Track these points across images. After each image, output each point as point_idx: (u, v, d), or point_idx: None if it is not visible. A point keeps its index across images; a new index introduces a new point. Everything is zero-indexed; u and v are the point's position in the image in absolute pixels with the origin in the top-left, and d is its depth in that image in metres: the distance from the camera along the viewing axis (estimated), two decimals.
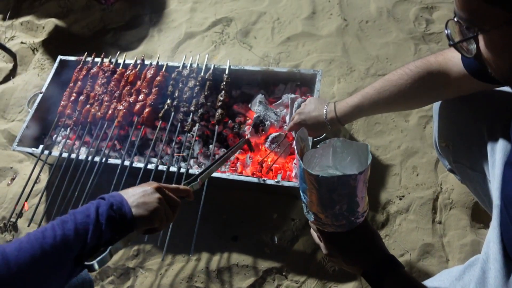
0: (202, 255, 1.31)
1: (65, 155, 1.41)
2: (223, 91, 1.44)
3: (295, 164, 1.32)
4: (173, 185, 0.85)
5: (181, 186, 0.87)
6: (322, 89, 1.46)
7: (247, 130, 1.41)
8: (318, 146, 0.71)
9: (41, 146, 1.46)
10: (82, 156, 1.40)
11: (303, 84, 1.48)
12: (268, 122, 1.39)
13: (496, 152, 0.80)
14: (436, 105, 1.00)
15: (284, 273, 1.25)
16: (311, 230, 0.80)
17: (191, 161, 1.40)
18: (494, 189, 0.79)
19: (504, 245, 0.72)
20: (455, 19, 0.57)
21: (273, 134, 1.37)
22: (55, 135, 1.53)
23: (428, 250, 1.22)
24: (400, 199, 1.32)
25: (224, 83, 1.45)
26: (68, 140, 1.52)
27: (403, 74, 0.89)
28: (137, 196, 0.73)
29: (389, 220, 1.29)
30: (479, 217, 1.25)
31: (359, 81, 1.61)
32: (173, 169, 1.31)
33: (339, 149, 0.70)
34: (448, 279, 0.79)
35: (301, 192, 0.68)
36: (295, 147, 0.66)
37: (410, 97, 0.91)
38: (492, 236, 0.75)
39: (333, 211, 0.65)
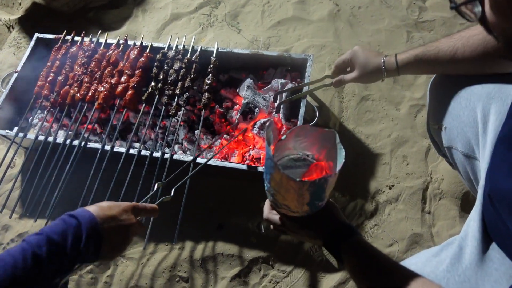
0: (186, 244, 1.26)
1: (41, 138, 1.33)
2: (210, 75, 1.38)
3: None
4: (147, 206, 0.87)
5: (151, 206, 0.88)
6: (312, 74, 1.41)
7: (235, 115, 1.36)
8: (284, 136, 0.71)
9: (15, 129, 1.38)
10: (60, 139, 1.32)
11: (293, 69, 1.43)
12: (256, 109, 1.34)
13: (488, 132, 0.79)
14: (429, 86, 0.98)
15: (270, 263, 1.21)
16: (266, 211, 0.81)
17: (176, 147, 1.35)
18: (482, 169, 0.78)
19: (485, 224, 0.72)
20: None
21: (262, 120, 1.32)
22: (31, 117, 1.45)
23: (417, 240, 1.20)
24: (390, 188, 1.30)
25: (212, 66, 1.39)
26: (45, 123, 1.43)
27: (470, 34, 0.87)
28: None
29: (378, 209, 1.27)
30: (469, 208, 1.24)
31: None
32: (157, 154, 1.25)
33: (301, 132, 0.72)
34: (425, 256, 0.79)
35: (268, 184, 0.69)
36: (266, 143, 0.66)
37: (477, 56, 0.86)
38: (473, 215, 0.75)
39: (303, 202, 0.67)
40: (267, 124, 0.69)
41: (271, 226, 0.83)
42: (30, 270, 0.61)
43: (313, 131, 0.71)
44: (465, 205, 1.24)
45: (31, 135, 1.35)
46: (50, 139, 1.32)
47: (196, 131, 1.34)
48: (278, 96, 1.34)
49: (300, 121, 1.24)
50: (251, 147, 1.34)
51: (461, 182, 1.25)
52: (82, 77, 1.42)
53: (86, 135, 1.33)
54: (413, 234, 1.21)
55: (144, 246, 1.16)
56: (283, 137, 0.72)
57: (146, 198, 0.99)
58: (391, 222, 1.24)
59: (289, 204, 0.69)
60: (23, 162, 1.33)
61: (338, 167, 0.65)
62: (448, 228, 1.21)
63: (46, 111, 1.42)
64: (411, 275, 0.62)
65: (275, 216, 0.79)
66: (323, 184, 0.63)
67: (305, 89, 1.28)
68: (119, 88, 1.37)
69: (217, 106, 1.41)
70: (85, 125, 1.36)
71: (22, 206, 1.36)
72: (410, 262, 0.82)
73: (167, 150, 1.31)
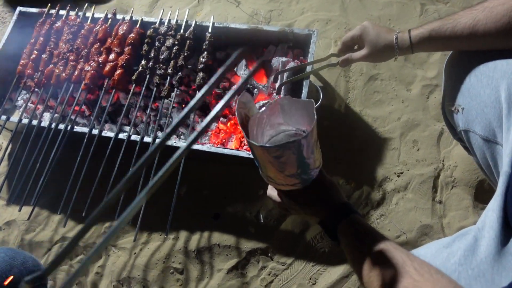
0: (180, 234, 1.20)
1: (25, 121, 1.25)
2: (206, 52, 1.27)
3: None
4: None
5: None
6: (316, 52, 1.30)
7: None
8: (263, 108, 0.67)
9: None
10: (45, 122, 1.24)
11: (296, 45, 1.32)
12: (255, 90, 1.23)
13: None
14: (445, 63, 0.89)
15: (269, 254, 1.15)
16: (269, 189, 0.80)
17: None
18: (505, 155, 0.70)
19: (505, 214, 0.65)
20: None
21: (261, 102, 1.22)
22: (15, 98, 1.36)
23: (426, 232, 1.13)
24: (398, 176, 1.21)
25: (207, 43, 1.28)
26: (30, 104, 1.35)
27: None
28: None
29: (385, 198, 1.18)
30: (483, 197, 1.15)
31: None
32: (148, 139, 1.16)
33: (286, 106, 0.70)
34: (436, 247, 0.73)
35: (252, 156, 0.69)
36: (236, 115, 0.64)
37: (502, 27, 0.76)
38: (492, 205, 0.68)
39: (284, 173, 0.66)
40: (240, 95, 0.66)
41: (277, 206, 0.82)
42: None
43: (296, 103, 0.69)
44: (480, 194, 1.16)
45: (14, 117, 1.26)
46: (35, 122, 1.24)
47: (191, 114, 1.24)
48: (279, 76, 1.23)
49: None
50: None
51: (476, 169, 1.16)
52: (68, 54, 1.32)
53: (73, 117, 1.24)
54: (423, 225, 1.13)
55: (134, 238, 1.10)
56: (261, 110, 0.70)
57: None
58: (399, 212, 1.16)
59: (271, 175, 0.68)
60: (7, 145, 1.25)
61: (304, 132, 0.62)
62: (460, 219, 1.13)
63: (30, 91, 1.33)
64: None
65: (274, 193, 0.79)
66: (287, 149, 0.60)
67: (309, 68, 1.17)
68: (107, 67, 1.27)
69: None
70: (72, 107, 1.27)
71: (8, 190, 1.29)
72: (419, 253, 0.74)
73: (159, 134, 1.22)
